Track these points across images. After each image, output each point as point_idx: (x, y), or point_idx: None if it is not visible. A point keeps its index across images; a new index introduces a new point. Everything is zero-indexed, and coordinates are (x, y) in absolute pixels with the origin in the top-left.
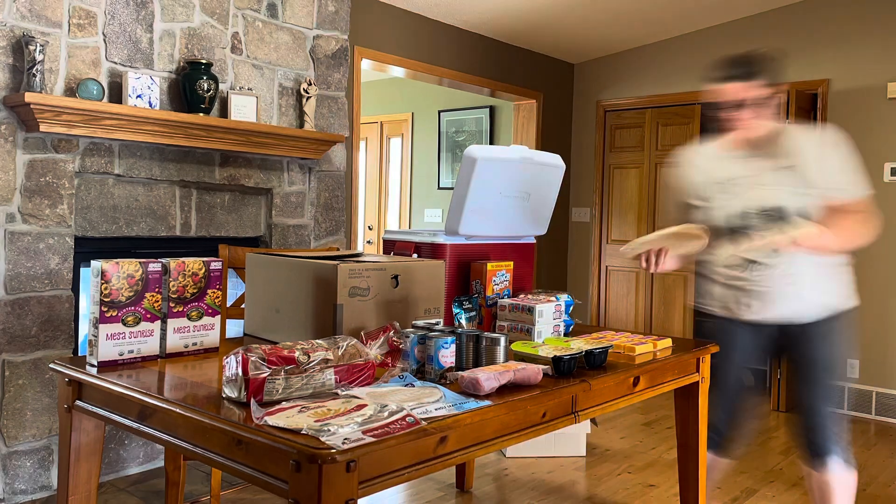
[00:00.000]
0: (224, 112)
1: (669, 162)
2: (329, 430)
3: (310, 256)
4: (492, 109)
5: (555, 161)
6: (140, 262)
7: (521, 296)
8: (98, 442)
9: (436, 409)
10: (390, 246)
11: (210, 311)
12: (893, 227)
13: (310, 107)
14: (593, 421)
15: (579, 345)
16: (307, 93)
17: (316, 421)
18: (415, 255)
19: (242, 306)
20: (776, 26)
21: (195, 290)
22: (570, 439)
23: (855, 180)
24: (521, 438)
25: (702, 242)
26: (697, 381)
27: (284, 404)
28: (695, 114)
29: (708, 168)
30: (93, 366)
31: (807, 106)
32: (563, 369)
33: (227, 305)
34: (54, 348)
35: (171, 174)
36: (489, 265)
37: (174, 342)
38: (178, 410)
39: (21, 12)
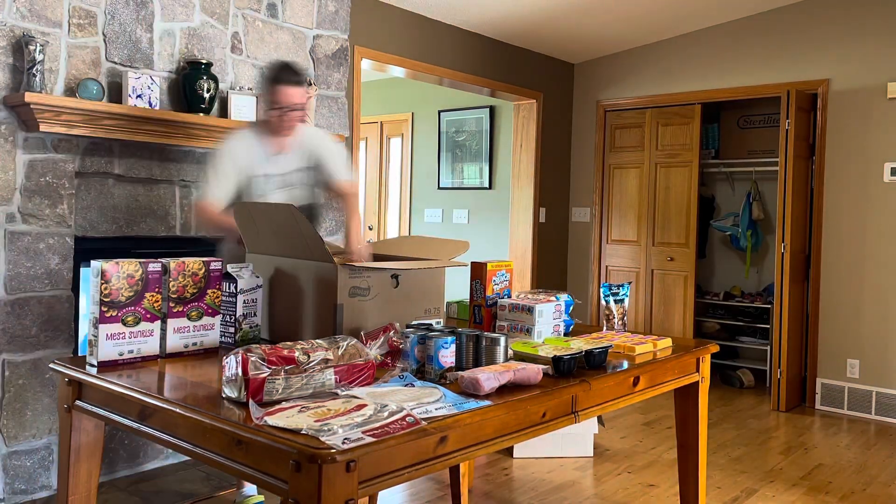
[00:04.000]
0: (224, 112)
1: (670, 162)
2: (329, 430)
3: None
4: (492, 109)
5: None
6: (140, 262)
7: (521, 295)
8: (98, 442)
9: (436, 409)
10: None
11: (210, 310)
12: (893, 228)
13: (310, 107)
14: (600, 421)
15: (579, 345)
16: (307, 93)
17: (316, 421)
18: None
19: None
20: (776, 26)
21: (195, 290)
22: (577, 439)
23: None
24: (520, 438)
25: None
26: (697, 381)
27: (284, 404)
28: (695, 114)
29: (252, 161)
30: (93, 366)
31: (807, 106)
32: (563, 369)
33: None
34: (54, 348)
35: (171, 174)
36: (489, 265)
37: (174, 342)
38: (178, 410)
39: (21, 12)
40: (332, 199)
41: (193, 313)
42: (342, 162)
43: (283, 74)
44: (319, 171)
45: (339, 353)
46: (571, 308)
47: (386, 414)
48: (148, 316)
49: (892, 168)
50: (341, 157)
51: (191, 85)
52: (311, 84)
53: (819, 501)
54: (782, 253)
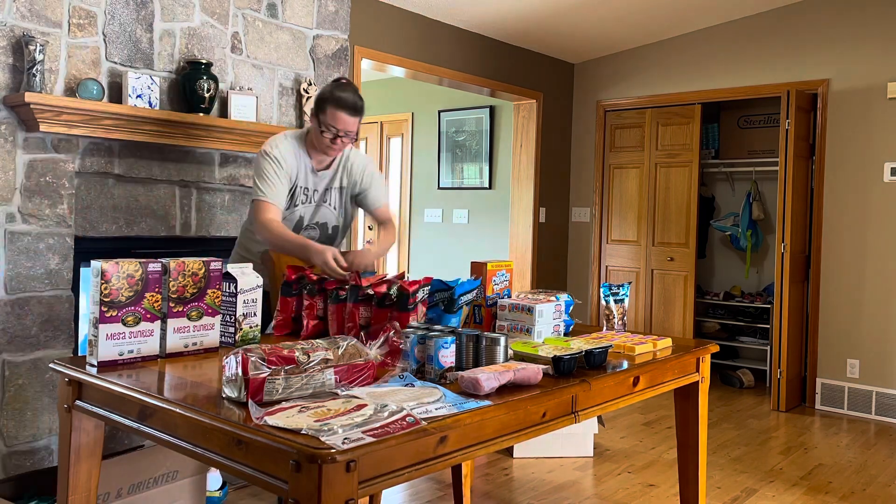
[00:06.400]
0: (224, 112)
1: (670, 162)
2: (329, 430)
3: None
4: (492, 109)
5: None
6: (140, 262)
7: (521, 295)
8: (98, 442)
9: (436, 409)
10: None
11: (210, 310)
12: (893, 228)
13: (310, 107)
14: (600, 421)
15: (579, 345)
16: (307, 93)
17: (316, 421)
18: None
19: None
20: (776, 26)
21: (195, 290)
22: (577, 439)
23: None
24: (520, 438)
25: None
26: (697, 381)
27: (284, 404)
28: (695, 114)
29: (297, 171)
30: (93, 366)
31: (807, 106)
32: (563, 369)
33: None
34: (54, 348)
35: (171, 174)
36: (489, 265)
37: (174, 342)
38: (178, 410)
39: (21, 12)
40: (370, 222)
41: (193, 313)
42: (383, 189)
43: (343, 99)
44: (363, 196)
45: (339, 352)
46: (571, 308)
47: (386, 414)
48: (148, 316)
49: (892, 168)
50: (383, 184)
51: (191, 85)
52: (310, 84)
53: (819, 501)
54: (782, 253)
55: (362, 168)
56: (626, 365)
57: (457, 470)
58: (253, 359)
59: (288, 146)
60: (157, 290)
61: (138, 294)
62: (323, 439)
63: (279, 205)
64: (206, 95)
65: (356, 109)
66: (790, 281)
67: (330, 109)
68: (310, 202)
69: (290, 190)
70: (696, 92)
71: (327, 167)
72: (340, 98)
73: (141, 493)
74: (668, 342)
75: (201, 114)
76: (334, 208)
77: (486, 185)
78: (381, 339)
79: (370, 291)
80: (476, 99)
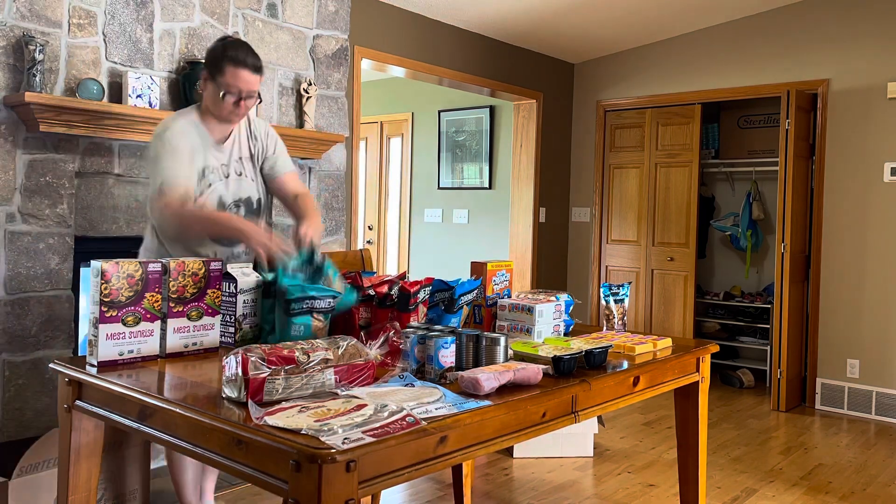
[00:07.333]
0: None
1: (670, 162)
2: (329, 430)
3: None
4: (492, 109)
5: None
6: (140, 262)
7: (521, 295)
8: (98, 442)
9: (436, 409)
10: None
11: (210, 310)
12: (893, 227)
13: (310, 107)
14: (600, 421)
15: (579, 345)
16: (307, 93)
17: (316, 421)
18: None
19: None
20: (776, 26)
21: (195, 290)
22: (577, 439)
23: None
24: (520, 438)
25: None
26: (697, 381)
27: (284, 404)
28: (695, 114)
29: (201, 146)
30: (93, 366)
31: (807, 106)
32: (563, 369)
33: None
34: (54, 348)
35: None
36: (489, 265)
37: (174, 342)
38: (178, 410)
39: (21, 12)
40: (276, 196)
41: (193, 313)
42: (287, 155)
43: (243, 55)
44: (272, 163)
45: (339, 352)
46: (571, 308)
47: (386, 414)
48: (148, 316)
49: (892, 168)
50: (285, 149)
51: (191, 85)
52: (310, 84)
53: (819, 501)
54: (782, 253)
55: (266, 131)
56: (626, 365)
57: (457, 470)
58: (253, 359)
59: (183, 123)
60: (157, 290)
61: (138, 294)
62: (323, 439)
63: (190, 188)
64: None
65: (257, 67)
66: (790, 281)
67: (230, 68)
68: (225, 177)
69: (200, 171)
70: (696, 92)
71: (228, 137)
72: (237, 56)
73: None
74: (668, 342)
75: None
76: (252, 179)
77: (486, 185)
78: (381, 339)
79: (371, 292)
80: (476, 99)
